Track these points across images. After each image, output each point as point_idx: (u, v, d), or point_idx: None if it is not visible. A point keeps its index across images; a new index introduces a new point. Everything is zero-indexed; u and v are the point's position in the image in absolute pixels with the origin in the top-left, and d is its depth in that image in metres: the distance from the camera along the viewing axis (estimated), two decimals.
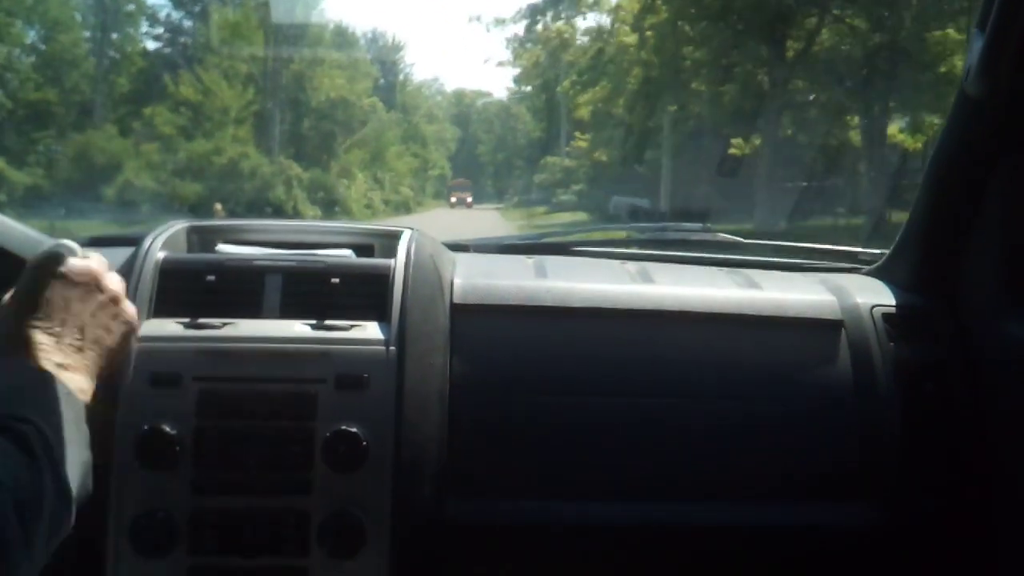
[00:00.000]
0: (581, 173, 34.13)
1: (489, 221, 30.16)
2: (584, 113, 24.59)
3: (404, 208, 38.83)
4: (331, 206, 23.72)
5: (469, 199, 49.25)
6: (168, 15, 29.23)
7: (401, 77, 55.35)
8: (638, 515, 1.12)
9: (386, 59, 53.77)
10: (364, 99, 31.54)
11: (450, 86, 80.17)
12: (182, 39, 28.31)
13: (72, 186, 21.15)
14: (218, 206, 18.59)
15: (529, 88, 53.36)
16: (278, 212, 20.44)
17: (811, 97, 15.32)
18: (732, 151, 16.12)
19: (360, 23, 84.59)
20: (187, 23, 28.48)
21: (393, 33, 78.90)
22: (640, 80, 17.05)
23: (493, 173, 61.68)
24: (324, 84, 25.01)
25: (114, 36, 28.15)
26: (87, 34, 27.50)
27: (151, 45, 28.70)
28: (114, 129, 23.45)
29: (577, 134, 35.53)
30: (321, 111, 25.09)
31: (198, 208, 18.85)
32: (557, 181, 35.29)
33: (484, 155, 61.08)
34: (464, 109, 65.01)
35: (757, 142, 16.07)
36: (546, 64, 51.76)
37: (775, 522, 1.14)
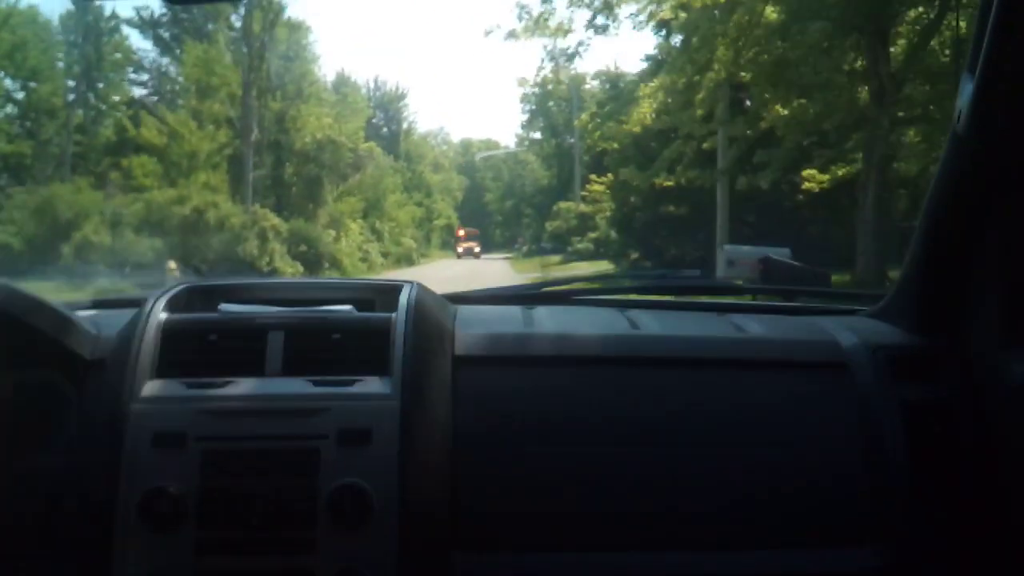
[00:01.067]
0: (600, 219, 30.97)
1: (498, 273, 27.10)
2: (610, 144, 21.26)
3: (406, 260, 35.66)
4: (316, 261, 20.34)
5: (477, 248, 46.61)
6: (154, 60, 26.79)
7: (405, 126, 53.23)
8: (644, 566, 1.11)
9: (389, 107, 51.88)
10: (358, 142, 28.63)
11: (456, 136, 78.37)
12: (168, 86, 25.81)
13: (35, 244, 18.68)
14: (171, 264, 15.40)
15: (538, 134, 51.57)
16: (251, 269, 17.22)
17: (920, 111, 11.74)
18: (807, 184, 12.83)
19: (361, 71, 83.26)
20: (173, 69, 26.03)
21: (396, 81, 77.46)
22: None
23: (501, 222, 59.00)
24: (309, 123, 21.74)
25: (99, 85, 26.25)
26: (70, 83, 25.61)
27: (137, 92, 26.33)
28: (85, 182, 20.92)
29: (593, 177, 32.51)
30: (305, 154, 21.79)
31: (149, 267, 15.61)
32: (572, 228, 32.02)
33: (492, 203, 58.40)
34: (471, 159, 62.90)
35: (840, 172, 12.71)
36: (555, 108, 50.34)
37: (784, 570, 1.11)
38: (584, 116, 22.59)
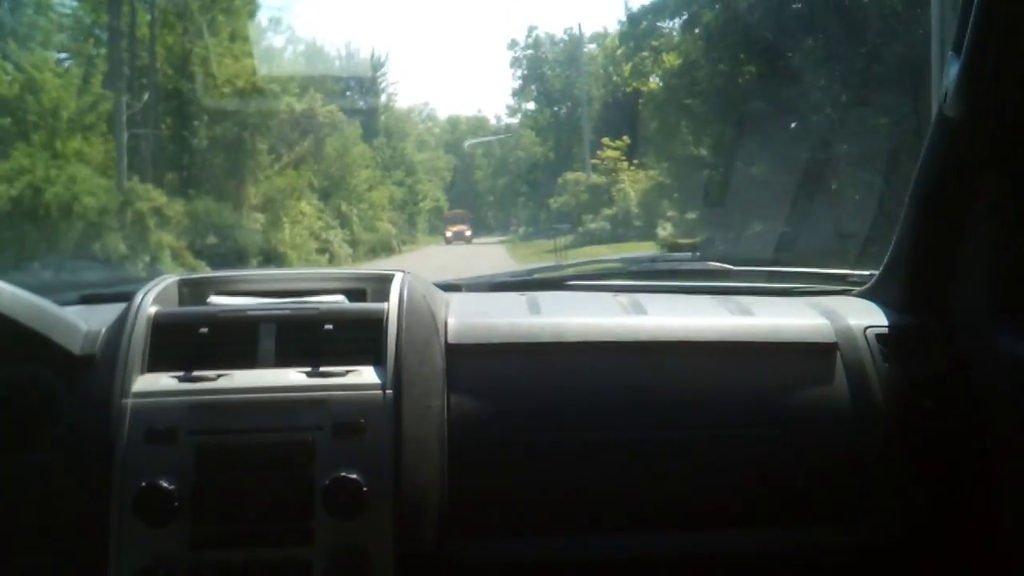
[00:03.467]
0: (617, 191, 24.59)
1: (495, 260, 20.92)
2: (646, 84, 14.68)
3: (384, 249, 29.23)
4: (237, 256, 13.87)
5: (468, 232, 40.92)
6: None
7: (384, 98, 46.69)
8: (641, 547, 1.11)
9: (364, 76, 45.29)
10: (316, 104, 22.18)
11: (443, 113, 71.37)
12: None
13: None
14: None
15: (531, 104, 45.36)
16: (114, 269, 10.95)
17: None
18: None
19: (333, 38, 75.57)
20: None
21: (372, 48, 70.34)
22: None
23: (494, 202, 52.74)
24: (224, 67, 15.24)
25: None
26: None
27: None
28: None
29: (606, 141, 26.09)
30: (221, 109, 15.30)
31: None
32: (583, 204, 25.66)
33: (482, 182, 51.94)
34: (459, 137, 56.55)
35: None
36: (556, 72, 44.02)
37: (779, 547, 1.13)
38: (610, 39, 15.78)
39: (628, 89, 14.63)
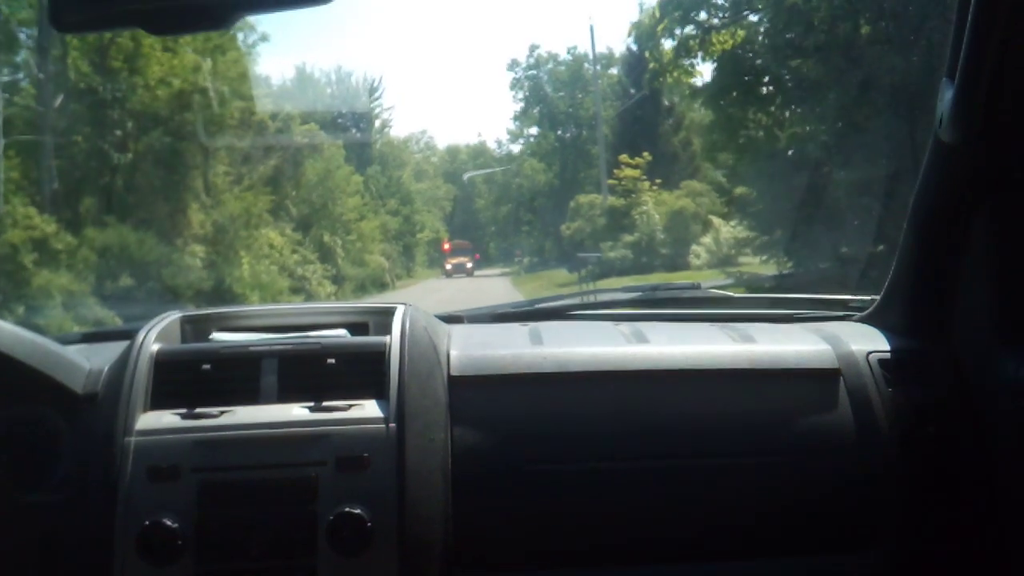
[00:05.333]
0: (638, 214, 21.17)
1: (501, 297, 17.39)
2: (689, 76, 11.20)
3: (376, 284, 25.75)
4: (160, 300, 10.31)
5: (469, 264, 37.79)
6: None
7: (378, 123, 43.70)
8: None
9: (356, 102, 42.28)
10: (294, 122, 18.83)
11: (442, 142, 68.24)
12: None
13: None
14: None
15: (534, 129, 42.27)
16: None
17: None
18: None
19: (321, 62, 72.29)
20: None
21: (364, 71, 67.36)
22: None
23: (495, 232, 49.53)
24: (154, 65, 11.65)
25: None
26: None
27: None
28: None
29: (624, 159, 22.73)
30: (153, 113, 11.78)
31: None
32: (599, 230, 22.21)
33: (484, 211, 48.70)
34: (459, 166, 53.63)
35: None
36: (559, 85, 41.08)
37: (782, 575, 1.10)
38: (648, 12, 12.30)
39: (670, 79, 11.20)
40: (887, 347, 1.23)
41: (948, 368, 1.19)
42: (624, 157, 22.51)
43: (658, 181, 22.49)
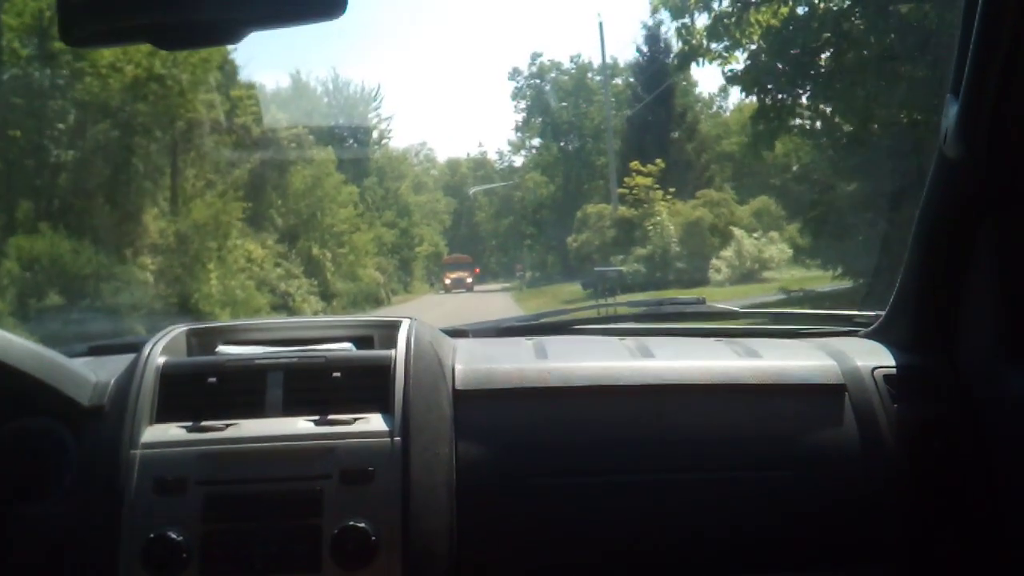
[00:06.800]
0: (651, 225, 19.46)
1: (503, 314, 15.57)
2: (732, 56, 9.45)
3: (370, 300, 24.01)
4: (97, 326, 8.52)
5: (469, 279, 36.51)
6: None
7: (376, 134, 42.17)
8: None
9: (354, 111, 40.76)
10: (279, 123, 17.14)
11: (442, 156, 66.49)
12: None
13: None
14: None
15: (536, 140, 40.80)
16: None
17: None
18: None
19: (318, 70, 70.50)
20: None
21: (362, 80, 65.73)
22: None
23: (496, 246, 48.04)
24: (103, 51, 9.68)
25: None
26: None
27: None
28: None
29: (635, 166, 21.08)
30: (102, 104, 9.97)
31: None
32: (608, 242, 20.47)
33: (484, 224, 47.17)
34: (460, 179, 52.24)
35: None
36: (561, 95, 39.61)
37: None
38: None
39: (708, 58, 9.55)
40: (892, 363, 1.22)
41: (953, 383, 1.19)
42: (636, 164, 20.87)
43: (671, 190, 20.83)
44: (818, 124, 8.95)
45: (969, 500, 1.11)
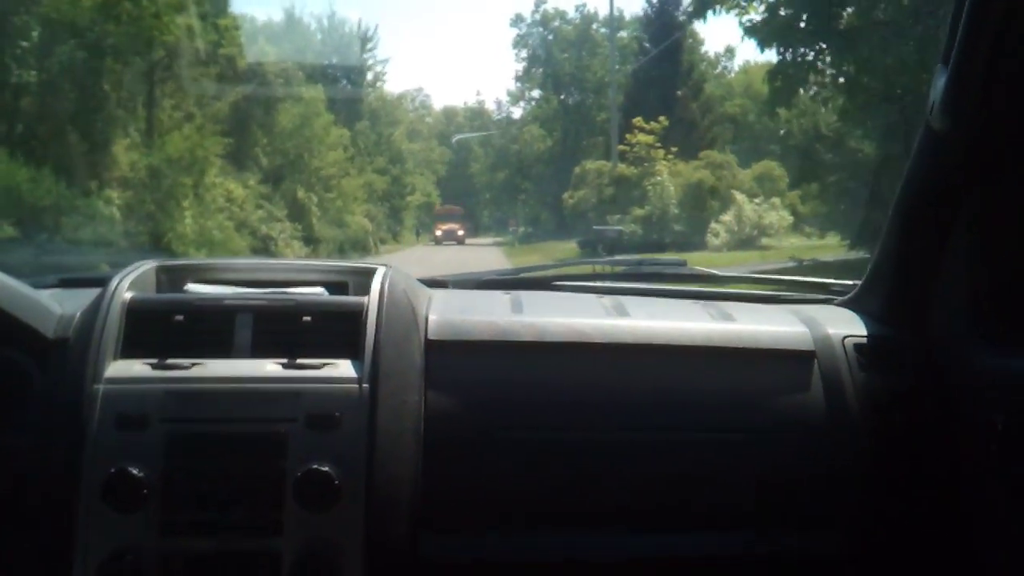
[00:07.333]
0: (652, 185, 18.84)
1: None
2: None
3: (356, 249, 23.37)
4: (64, 255, 7.91)
5: (461, 232, 35.62)
6: None
7: (370, 76, 40.85)
8: (614, 547, 1.10)
9: (348, 52, 39.41)
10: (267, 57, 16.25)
11: (438, 100, 64.86)
12: None
13: None
14: None
15: (537, 92, 39.66)
16: None
17: None
18: None
19: (312, 4, 68.16)
20: None
21: (359, 19, 63.52)
22: None
23: (490, 199, 47.18)
24: None
25: None
26: None
27: None
28: None
29: (638, 122, 20.34)
30: (71, 24, 9.16)
31: None
32: (606, 201, 19.84)
33: (479, 176, 46.18)
34: (456, 128, 51.00)
35: None
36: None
37: (747, 550, 1.11)
38: None
39: (726, 7, 8.84)
40: (863, 332, 1.23)
41: (923, 356, 1.20)
42: (639, 120, 20.12)
43: (674, 149, 20.14)
44: (841, 81, 8.36)
45: (930, 472, 1.14)
